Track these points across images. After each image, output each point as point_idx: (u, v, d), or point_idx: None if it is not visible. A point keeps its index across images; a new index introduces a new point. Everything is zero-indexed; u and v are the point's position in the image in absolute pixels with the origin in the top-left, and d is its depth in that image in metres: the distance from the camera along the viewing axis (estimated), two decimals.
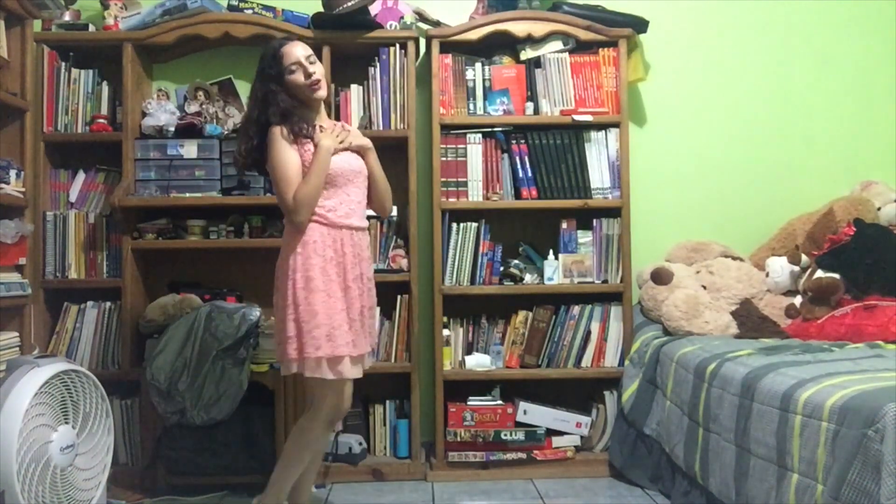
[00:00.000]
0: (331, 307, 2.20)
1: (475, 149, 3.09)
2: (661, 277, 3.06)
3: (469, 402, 3.04)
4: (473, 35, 3.09)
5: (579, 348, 3.11)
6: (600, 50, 3.14)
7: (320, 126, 2.33)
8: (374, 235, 3.13)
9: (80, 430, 2.37)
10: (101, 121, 3.05)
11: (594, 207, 3.11)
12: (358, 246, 2.31)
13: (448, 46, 3.12)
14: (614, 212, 3.11)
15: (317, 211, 2.24)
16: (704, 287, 3.05)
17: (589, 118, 3.08)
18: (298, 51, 2.28)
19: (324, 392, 2.25)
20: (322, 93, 2.31)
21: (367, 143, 2.41)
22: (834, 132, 3.44)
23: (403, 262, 3.06)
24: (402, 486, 2.95)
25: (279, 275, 2.27)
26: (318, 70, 2.30)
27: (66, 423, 2.31)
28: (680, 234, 3.34)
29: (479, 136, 3.09)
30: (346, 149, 2.32)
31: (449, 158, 3.08)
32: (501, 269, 3.12)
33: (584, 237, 3.12)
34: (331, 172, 2.25)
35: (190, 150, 3.03)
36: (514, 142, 3.09)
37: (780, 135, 3.43)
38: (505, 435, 3.02)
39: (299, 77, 2.26)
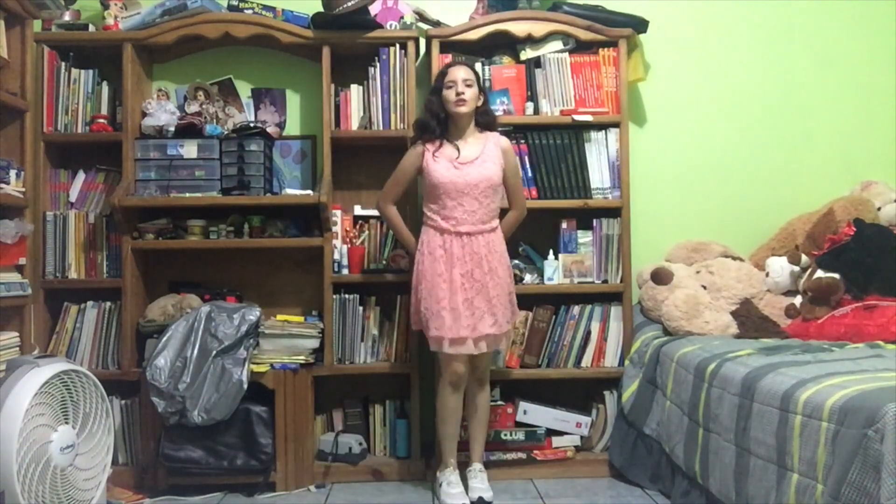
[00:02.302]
0: (434, 296, 2.66)
1: None
2: (661, 277, 3.06)
3: None
4: (473, 35, 3.09)
5: (579, 348, 3.11)
6: (600, 50, 3.14)
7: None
8: (374, 235, 3.13)
9: (80, 430, 2.37)
10: (101, 121, 3.05)
11: (594, 207, 3.11)
12: (468, 247, 2.68)
13: (448, 46, 3.12)
14: (614, 212, 3.11)
15: (430, 216, 2.73)
16: (704, 287, 3.05)
17: (589, 118, 3.08)
18: (459, 73, 2.72)
19: (442, 362, 2.76)
20: (461, 109, 2.71)
21: None
22: (834, 132, 3.44)
23: (403, 262, 3.06)
24: (401, 486, 2.95)
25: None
26: (468, 93, 2.71)
27: (66, 423, 2.31)
28: (680, 234, 3.34)
29: None
30: None
31: None
32: None
33: (584, 237, 3.12)
34: (441, 184, 2.68)
35: (190, 150, 3.03)
36: (514, 142, 3.09)
37: (780, 135, 3.43)
38: (505, 435, 3.02)
39: (450, 94, 2.70)
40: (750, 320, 2.94)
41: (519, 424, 3.04)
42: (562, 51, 3.15)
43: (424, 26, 3.18)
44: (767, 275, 3.10)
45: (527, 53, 3.16)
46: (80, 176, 3.12)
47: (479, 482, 2.76)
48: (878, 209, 3.16)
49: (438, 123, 2.74)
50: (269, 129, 3.14)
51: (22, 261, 2.74)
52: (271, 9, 3.14)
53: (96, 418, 2.44)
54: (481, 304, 2.67)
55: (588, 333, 3.11)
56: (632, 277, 3.13)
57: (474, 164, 2.71)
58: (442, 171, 2.70)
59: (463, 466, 2.83)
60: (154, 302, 3.03)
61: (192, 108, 3.14)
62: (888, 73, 3.45)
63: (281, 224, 3.08)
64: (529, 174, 3.10)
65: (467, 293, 2.66)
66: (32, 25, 2.86)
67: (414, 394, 3.05)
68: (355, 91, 3.13)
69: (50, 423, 2.25)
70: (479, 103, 2.77)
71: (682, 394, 2.60)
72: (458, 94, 2.69)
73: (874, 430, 1.61)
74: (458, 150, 2.73)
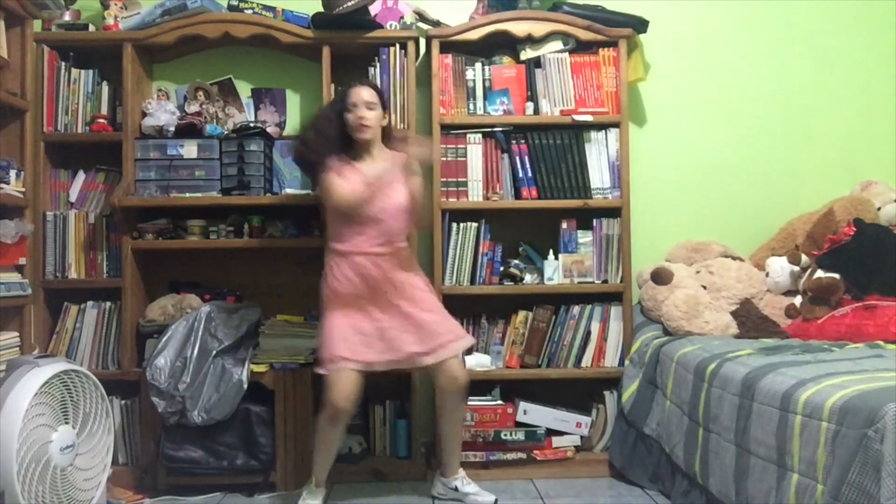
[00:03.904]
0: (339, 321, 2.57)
1: (475, 149, 3.09)
2: (661, 277, 3.06)
3: (469, 402, 3.03)
4: (473, 35, 3.09)
5: (579, 348, 3.11)
6: (600, 50, 3.14)
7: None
8: None
9: (80, 430, 2.37)
10: (101, 121, 3.05)
11: (594, 207, 3.11)
12: (387, 263, 2.60)
13: (448, 46, 3.12)
14: (614, 212, 3.11)
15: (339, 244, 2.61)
16: (704, 287, 3.05)
17: (589, 118, 3.08)
18: (363, 95, 2.61)
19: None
20: (364, 136, 2.62)
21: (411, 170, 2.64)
22: (834, 132, 3.44)
23: None
24: (402, 486, 2.95)
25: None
26: (369, 116, 2.61)
27: (66, 423, 2.31)
28: (680, 234, 3.33)
29: (479, 136, 3.09)
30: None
31: (449, 158, 3.08)
32: (501, 269, 3.12)
33: (584, 237, 3.12)
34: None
35: (190, 150, 3.03)
36: (514, 142, 3.09)
37: (780, 135, 3.43)
38: (505, 435, 3.02)
39: (352, 117, 2.60)
40: (750, 320, 2.94)
41: (519, 424, 3.04)
42: (562, 51, 3.15)
43: (424, 26, 3.18)
44: (767, 275, 3.10)
45: (527, 53, 3.16)
46: (80, 176, 3.12)
47: (474, 487, 2.76)
48: (878, 209, 3.16)
49: (328, 145, 2.62)
50: (269, 129, 3.14)
51: (22, 261, 2.74)
52: (271, 9, 3.14)
53: (96, 418, 2.44)
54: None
55: (588, 333, 3.11)
56: (632, 277, 3.13)
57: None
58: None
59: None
60: (154, 302, 3.03)
61: (192, 108, 3.14)
62: (888, 73, 3.45)
63: (281, 224, 3.08)
64: (529, 174, 3.10)
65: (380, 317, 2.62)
66: (32, 25, 2.86)
67: (414, 394, 3.05)
68: None
69: (50, 423, 2.25)
70: (384, 123, 2.70)
71: (682, 394, 2.60)
72: (359, 117, 2.60)
73: (874, 430, 1.61)
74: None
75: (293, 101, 3.33)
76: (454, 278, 3.08)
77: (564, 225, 3.12)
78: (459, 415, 2.76)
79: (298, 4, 3.16)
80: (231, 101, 3.27)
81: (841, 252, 2.91)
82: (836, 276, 2.84)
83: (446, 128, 3.08)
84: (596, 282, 3.12)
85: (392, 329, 2.58)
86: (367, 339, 2.57)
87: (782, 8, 3.43)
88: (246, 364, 2.85)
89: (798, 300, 2.99)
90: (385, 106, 2.71)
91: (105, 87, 3.11)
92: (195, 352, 2.80)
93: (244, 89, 3.31)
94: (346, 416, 2.58)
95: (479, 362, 3.07)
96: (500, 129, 3.09)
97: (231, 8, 3.13)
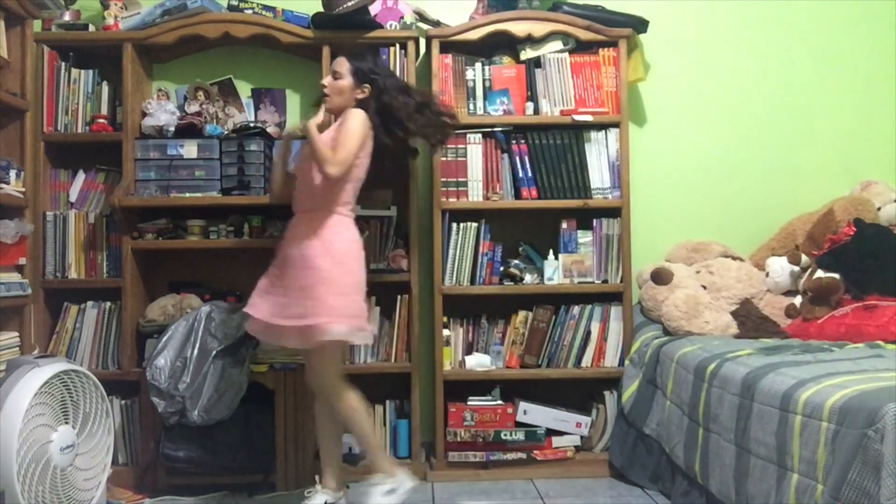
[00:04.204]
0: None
1: (475, 149, 3.09)
2: (661, 277, 3.06)
3: (469, 402, 3.04)
4: (473, 35, 3.09)
5: (579, 348, 3.11)
6: (600, 50, 3.14)
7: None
8: (374, 235, 3.13)
9: (80, 430, 2.37)
10: (101, 121, 3.05)
11: (594, 207, 3.11)
12: (295, 228, 2.56)
13: (448, 46, 3.12)
14: (614, 212, 3.11)
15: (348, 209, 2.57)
16: (704, 287, 3.05)
17: (589, 118, 3.08)
18: (333, 63, 2.61)
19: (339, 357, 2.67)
20: (323, 103, 2.58)
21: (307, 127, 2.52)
22: (834, 132, 3.44)
23: (403, 262, 3.06)
24: None
25: None
26: (330, 84, 2.56)
27: (66, 423, 2.31)
28: (680, 234, 3.33)
29: (479, 136, 3.09)
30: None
31: (449, 158, 3.08)
32: (501, 269, 3.12)
33: (584, 237, 3.12)
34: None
35: (190, 150, 3.03)
36: (514, 142, 3.09)
37: (780, 135, 3.43)
38: (505, 435, 3.02)
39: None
40: (750, 320, 2.94)
41: (519, 424, 3.04)
42: (562, 51, 3.15)
43: (424, 26, 3.18)
44: (767, 275, 3.10)
45: (527, 53, 3.16)
46: (80, 176, 3.12)
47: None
48: (878, 209, 3.16)
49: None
50: (269, 129, 3.14)
51: (22, 261, 2.74)
52: (271, 9, 3.14)
53: (96, 418, 2.44)
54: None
55: (588, 333, 3.11)
56: (632, 277, 3.13)
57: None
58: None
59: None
60: (154, 302, 3.03)
61: (192, 108, 3.14)
62: (888, 73, 3.45)
63: (281, 224, 3.08)
64: (529, 174, 3.10)
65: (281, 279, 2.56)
66: (32, 25, 2.86)
67: (414, 394, 3.05)
68: None
69: (50, 423, 2.25)
70: (360, 95, 2.55)
71: (682, 394, 2.60)
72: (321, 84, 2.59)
73: (874, 430, 1.61)
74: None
75: (293, 101, 3.33)
76: (454, 278, 3.08)
77: (564, 225, 3.12)
78: (331, 428, 2.60)
79: (298, 4, 3.16)
80: (231, 101, 3.27)
81: (841, 252, 2.91)
82: (836, 276, 2.85)
83: None
84: (596, 282, 3.12)
85: (267, 292, 2.56)
86: (262, 295, 2.56)
87: (782, 8, 3.44)
88: (246, 364, 2.85)
89: (798, 300, 2.99)
90: (365, 78, 2.55)
91: (105, 87, 3.11)
92: (195, 352, 2.80)
93: (244, 89, 3.31)
94: (316, 394, 2.58)
95: (479, 362, 3.07)
96: (500, 129, 3.09)
97: (231, 8, 3.13)
